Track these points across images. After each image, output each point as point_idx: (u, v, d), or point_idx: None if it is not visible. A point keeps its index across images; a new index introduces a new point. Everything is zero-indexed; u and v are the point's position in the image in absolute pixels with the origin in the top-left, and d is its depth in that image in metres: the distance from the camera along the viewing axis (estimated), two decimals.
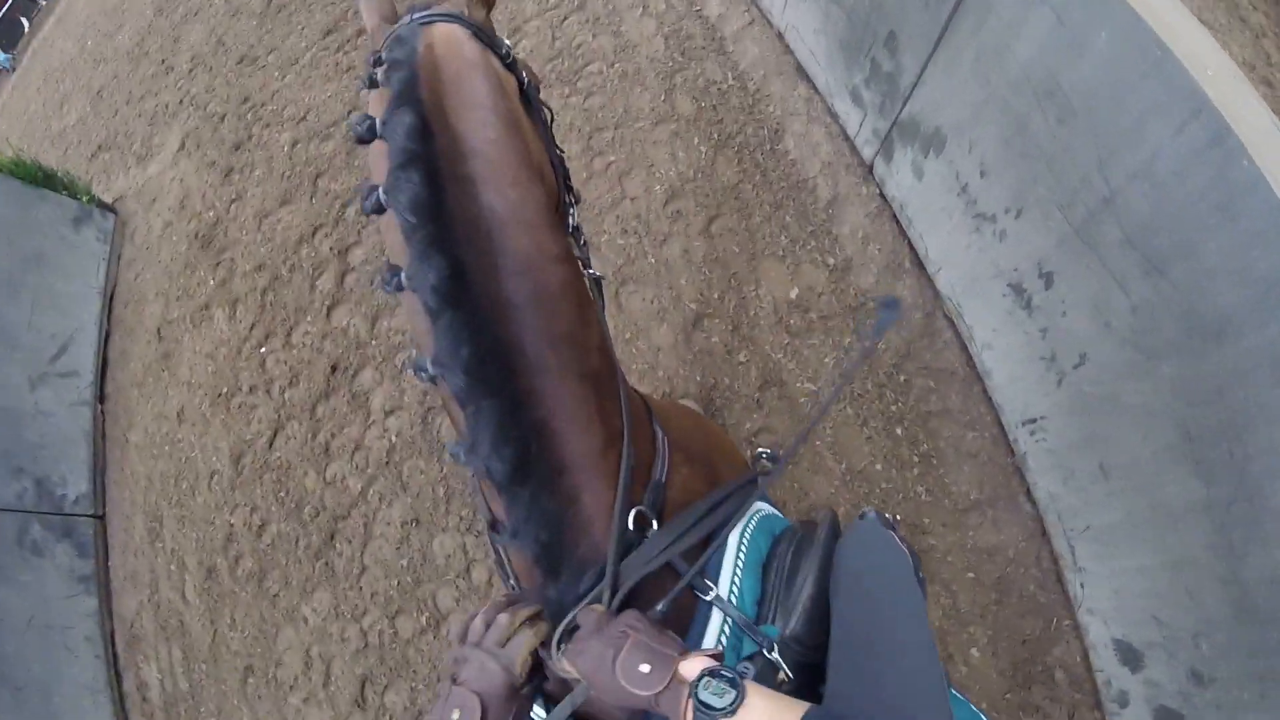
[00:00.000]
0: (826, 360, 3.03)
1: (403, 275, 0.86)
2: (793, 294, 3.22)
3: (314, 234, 4.44)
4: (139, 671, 3.86)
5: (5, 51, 15.31)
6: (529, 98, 1.09)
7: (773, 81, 3.85)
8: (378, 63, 0.99)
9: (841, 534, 1.09)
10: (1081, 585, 2.41)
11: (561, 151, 1.21)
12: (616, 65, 4.34)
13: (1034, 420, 2.49)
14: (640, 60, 4.30)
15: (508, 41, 1.08)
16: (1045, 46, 2.09)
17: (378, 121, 0.90)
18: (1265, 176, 1.56)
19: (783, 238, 3.36)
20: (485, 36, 1.02)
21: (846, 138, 3.46)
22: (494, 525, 0.95)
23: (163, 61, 8.19)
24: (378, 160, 0.91)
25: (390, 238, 0.90)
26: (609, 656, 0.81)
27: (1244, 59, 4.09)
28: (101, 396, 5.00)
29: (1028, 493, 2.58)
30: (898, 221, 3.16)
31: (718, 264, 3.40)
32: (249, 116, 5.95)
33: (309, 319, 4.05)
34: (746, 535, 1.06)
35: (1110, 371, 2.10)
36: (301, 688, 3.39)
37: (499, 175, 0.90)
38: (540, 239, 0.93)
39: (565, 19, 4.80)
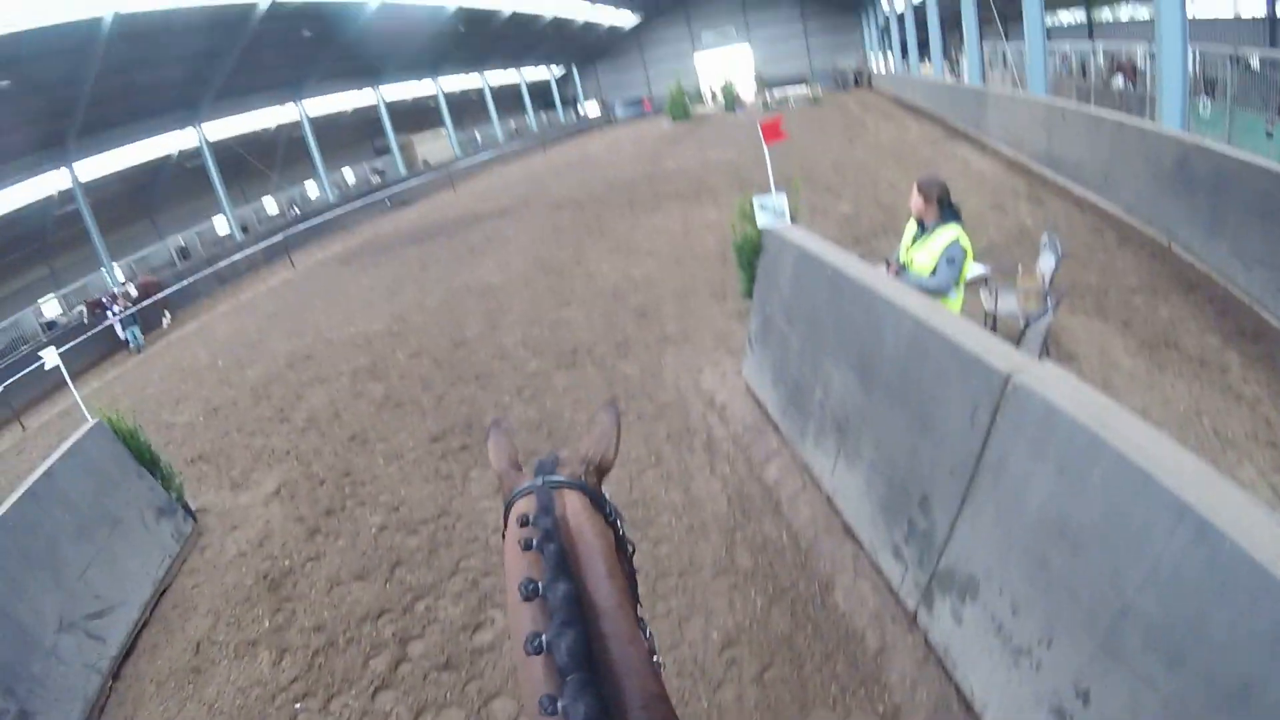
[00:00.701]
0: None
1: (559, 704, 1.07)
2: None
3: (380, 615, 5.04)
4: None
5: (140, 332, 17.31)
6: (621, 542, 1.51)
7: (823, 540, 4.60)
8: (525, 523, 1.27)
9: None
10: None
11: (633, 550, 1.57)
12: (684, 519, 5.21)
13: None
14: (706, 516, 5.18)
15: (609, 497, 1.45)
16: (1052, 492, 2.60)
17: (539, 585, 1.15)
18: (1246, 552, 1.88)
19: (833, 686, 3.65)
20: (598, 501, 1.39)
21: (891, 590, 3.93)
22: None
23: (281, 410, 9.51)
24: (524, 612, 1.16)
25: (535, 673, 1.11)
26: None
27: (1246, 431, 4.76)
28: (116, 674, 5.18)
29: None
30: (943, 665, 3.44)
31: (770, 711, 3.64)
32: (346, 489, 6.93)
33: (353, 693, 4.44)
34: None
35: None
36: None
37: (616, 619, 1.22)
38: (644, 675, 1.19)
39: (643, 473, 5.89)
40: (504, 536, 1.40)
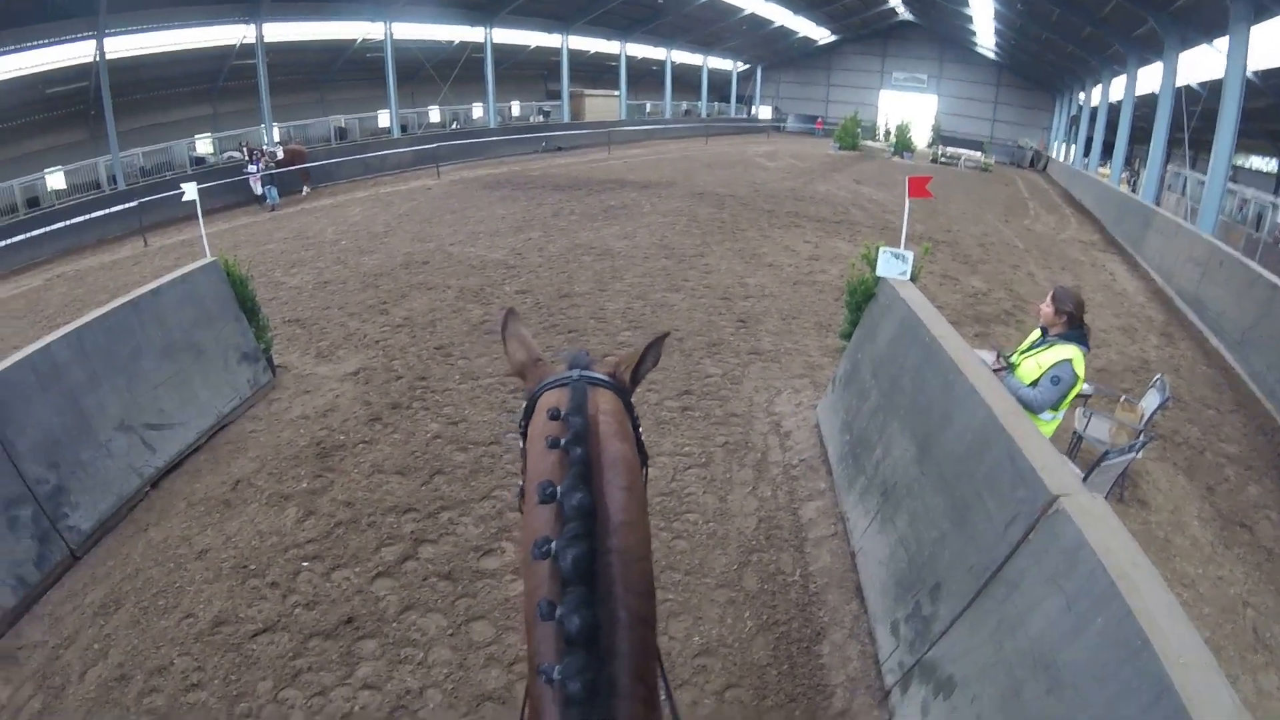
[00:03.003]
0: None
1: (558, 613, 1.06)
2: None
3: (406, 512, 5.34)
4: None
5: (278, 193, 18.29)
6: (639, 450, 1.45)
7: (832, 591, 4.66)
8: (555, 417, 1.26)
9: None
10: None
11: (647, 464, 1.56)
12: (711, 524, 5.32)
13: None
14: (731, 529, 5.28)
15: (637, 414, 1.45)
16: (1052, 625, 2.61)
17: (558, 490, 1.14)
18: None
19: None
20: (627, 402, 1.38)
21: (876, 662, 3.96)
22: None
23: (383, 302, 9.99)
24: (539, 514, 1.17)
25: (540, 575, 1.13)
26: None
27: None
28: (155, 484, 5.67)
29: None
30: None
31: None
32: (417, 391, 7.28)
33: (356, 570, 4.74)
34: None
35: None
36: None
37: (626, 535, 1.19)
38: (642, 596, 1.19)
39: (689, 468, 6.02)
40: (521, 427, 1.41)
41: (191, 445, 6.15)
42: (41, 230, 14.63)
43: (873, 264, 5.92)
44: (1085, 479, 4.25)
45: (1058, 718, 2.46)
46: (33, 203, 16.83)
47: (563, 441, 1.24)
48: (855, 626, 4.35)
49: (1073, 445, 6.05)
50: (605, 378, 1.42)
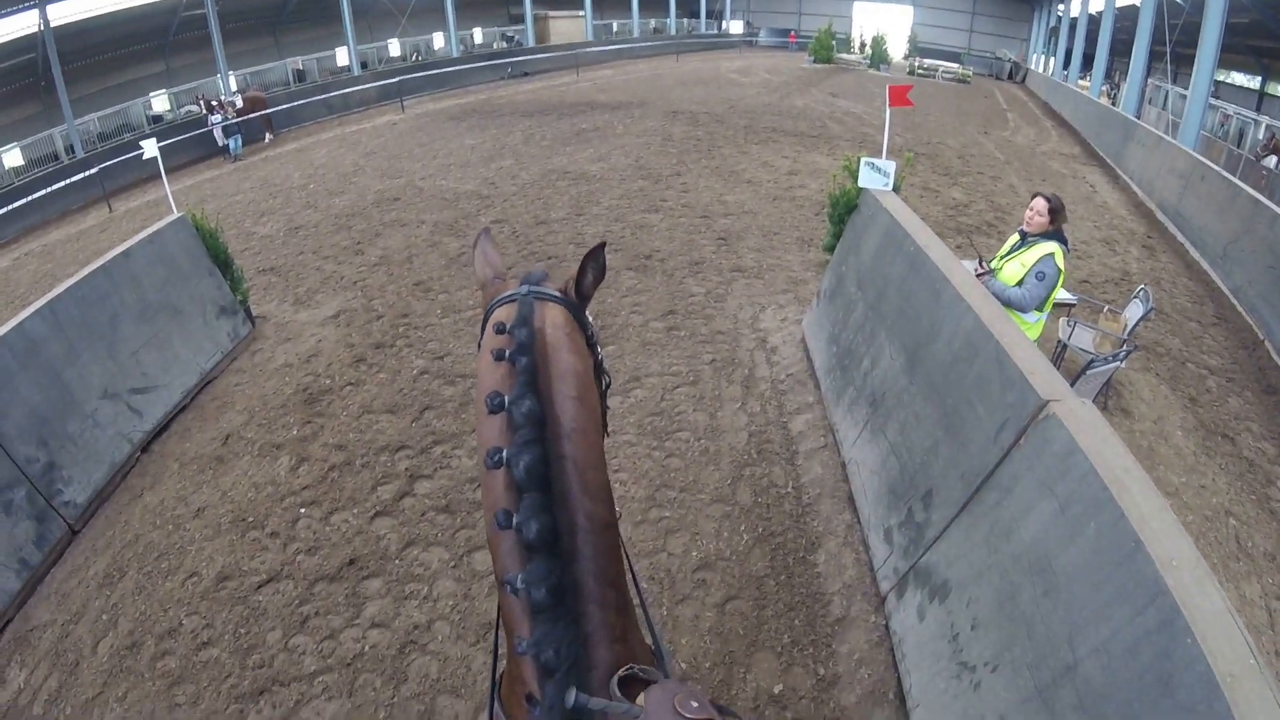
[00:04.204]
0: None
1: (514, 521, 1.11)
2: (776, 689, 3.56)
3: (399, 450, 5.34)
4: (4, 669, 3.97)
5: (241, 144, 17.77)
6: (598, 369, 1.50)
7: (825, 501, 4.75)
8: (501, 330, 1.29)
9: None
10: None
11: (608, 383, 1.63)
12: (702, 441, 5.38)
13: None
14: (722, 445, 5.35)
15: (591, 320, 1.47)
16: (1046, 529, 2.64)
17: (506, 399, 1.18)
18: (1204, 654, 1.87)
19: (786, 637, 3.81)
20: (579, 317, 1.40)
21: (870, 569, 4.07)
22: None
23: (357, 243, 9.82)
24: (489, 425, 1.20)
25: (495, 486, 1.16)
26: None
27: (1267, 549, 4.74)
28: (146, 448, 5.63)
29: None
30: (892, 654, 3.58)
31: (719, 638, 3.81)
32: (400, 329, 7.22)
33: (355, 511, 4.76)
34: None
35: None
36: None
37: (577, 442, 1.21)
38: (600, 501, 1.21)
39: (678, 388, 6.06)
40: (480, 344, 1.40)
41: (178, 405, 6.09)
42: (3, 210, 14.26)
43: (854, 175, 5.83)
44: (1071, 386, 4.29)
45: (1054, 620, 2.50)
46: None
47: (508, 352, 1.24)
48: (849, 535, 4.44)
49: (1057, 354, 6.09)
50: (554, 292, 1.41)
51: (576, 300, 1.45)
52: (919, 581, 3.53)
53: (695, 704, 1.03)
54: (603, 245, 1.46)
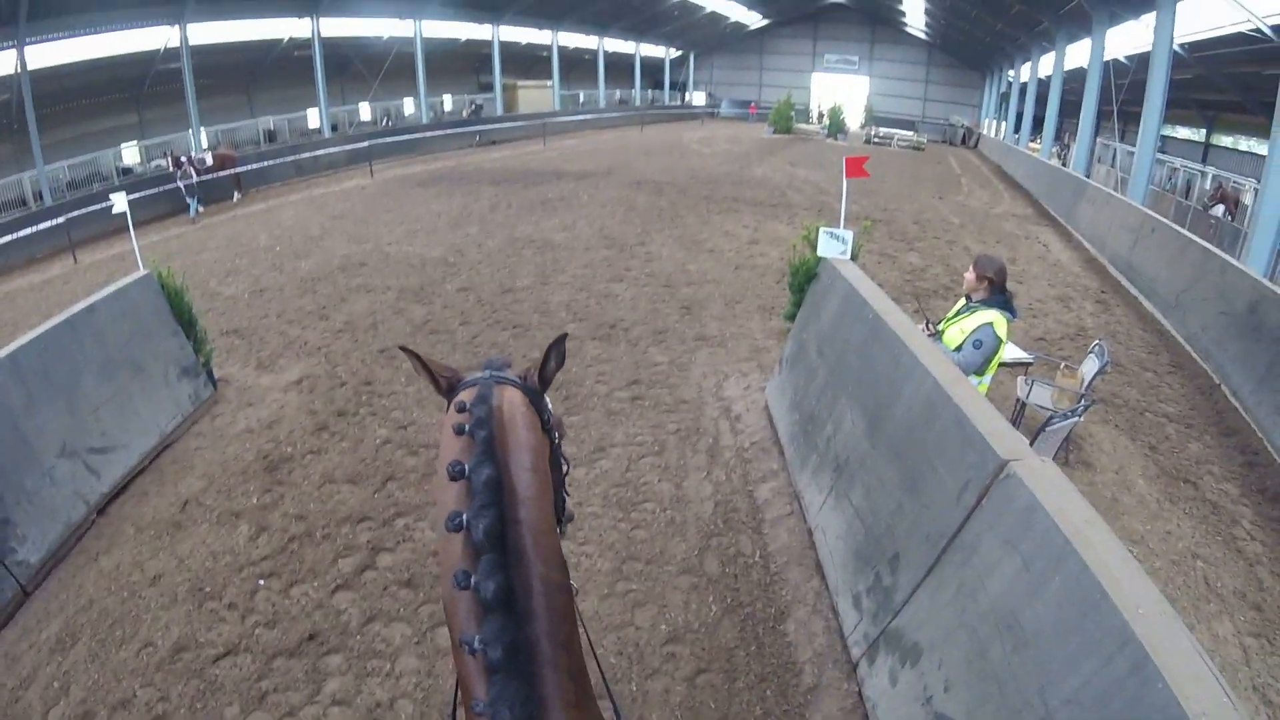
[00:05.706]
0: None
1: (473, 580, 1.14)
2: None
3: (360, 521, 5.23)
4: None
5: (200, 205, 17.68)
6: (556, 453, 1.60)
7: (793, 569, 4.71)
8: (462, 409, 1.36)
9: None
10: None
11: (567, 469, 1.72)
12: (668, 512, 5.34)
13: None
14: (688, 515, 5.31)
15: (550, 406, 1.56)
16: (1011, 586, 2.68)
17: (466, 467, 1.25)
18: (1177, 698, 1.90)
19: (758, 709, 3.74)
20: (537, 402, 1.49)
21: (841, 635, 4.03)
22: None
23: (322, 308, 9.77)
24: (449, 492, 1.26)
25: (454, 549, 1.21)
26: None
27: (1236, 587, 4.75)
28: (102, 510, 5.45)
29: None
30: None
31: (691, 713, 3.73)
32: (363, 397, 7.14)
33: (315, 584, 4.63)
34: None
35: None
36: None
37: (532, 509, 1.26)
38: (554, 566, 1.26)
39: (643, 457, 6.03)
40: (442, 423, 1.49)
41: (136, 467, 5.92)
42: None
43: (813, 245, 5.99)
44: (1031, 444, 4.37)
45: (1025, 675, 2.52)
46: None
47: (468, 427, 1.32)
48: (818, 602, 4.42)
49: (1016, 412, 6.23)
50: (513, 377, 1.51)
51: (538, 386, 1.54)
52: (890, 646, 3.54)
53: None
54: (564, 336, 1.56)
